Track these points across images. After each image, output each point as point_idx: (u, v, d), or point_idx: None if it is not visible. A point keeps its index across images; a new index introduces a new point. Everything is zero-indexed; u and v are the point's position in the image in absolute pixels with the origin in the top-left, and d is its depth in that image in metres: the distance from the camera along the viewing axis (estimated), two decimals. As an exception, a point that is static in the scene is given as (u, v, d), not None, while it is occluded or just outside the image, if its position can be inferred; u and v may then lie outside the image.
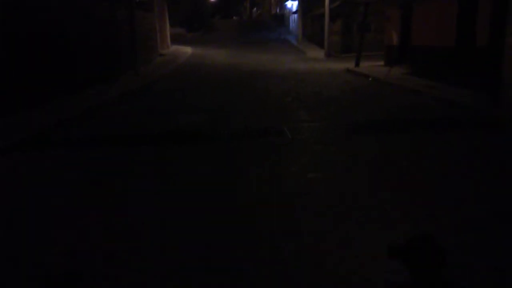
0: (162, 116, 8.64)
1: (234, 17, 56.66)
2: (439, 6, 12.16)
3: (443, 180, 4.49)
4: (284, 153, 5.81)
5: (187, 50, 25.65)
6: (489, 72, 9.62)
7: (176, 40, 28.92)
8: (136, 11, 16.35)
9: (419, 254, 1.59)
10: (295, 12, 36.68)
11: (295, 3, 36.41)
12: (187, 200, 4.25)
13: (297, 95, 10.65)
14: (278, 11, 51.46)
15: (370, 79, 13.27)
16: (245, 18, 59.06)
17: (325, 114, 8.34)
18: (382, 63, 16.75)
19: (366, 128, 7.03)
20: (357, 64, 16.56)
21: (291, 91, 11.47)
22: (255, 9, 65.86)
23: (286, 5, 43.82)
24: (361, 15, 19.23)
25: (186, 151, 6.10)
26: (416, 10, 13.87)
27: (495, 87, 8.22)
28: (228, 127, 7.44)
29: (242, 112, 8.80)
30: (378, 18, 19.72)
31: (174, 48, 26.48)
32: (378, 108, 8.65)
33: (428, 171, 4.82)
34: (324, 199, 4.13)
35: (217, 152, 5.98)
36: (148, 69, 17.01)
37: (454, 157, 5.33)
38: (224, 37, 35.70)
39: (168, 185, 4.71)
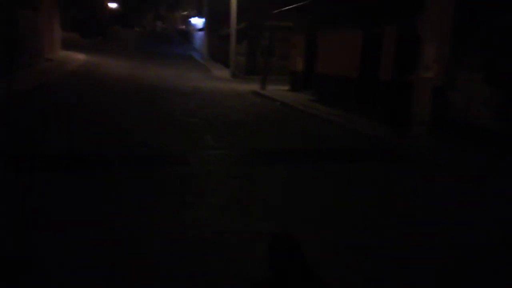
0: (29, 136, 7.03)
1: (137, 28, 54.20)
2: (343, 38, 12.43)
3: (331, 212, 4.04)
4: (187, 188, 4.89)
5: (80, 57, 23.28)
6: (394, 106, 9.90)
7: (68, 45, 26.18)
8: (18, 9, 14.15)
9: (280, 251, 1.83)
10: (201, 29, 36.13)
11: (201, 21, 35.90)
12: None
13: (203, 117, 9.83)
14: (183, 26, 50.54)
15: (278, 103, 13.01)
16: (148, 30, 56.93)
17: (233, 140, 7.62)
18: (287, 87, 16.79)
19: (276, 157, 6.47)
20: (263, 87, 16.36)
21: (197, 111, 10.61)
22: (159, 22, 64.03)
23: (191, 21, 43.12)
24: (266, 39, 19.30)
25: (58, 182, 4.83)
26: (321, 40, 14.11)
27: (402, 122, 8.33)
28: (119, 153, 6.27)
29: (140, 134, 7.65)
30: (283, 43, 19.97)
31: (65, 53, 23.88)
32: (287, 135, 8.21)
33: (324, 202, 4.38)
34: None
35: (99, 186, 4.82)
36: (30, 75, 14.75)
37: (350, 189, 5.04)
38: (125, 47, 33.52)
39: None
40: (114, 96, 12.21)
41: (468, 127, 7.65)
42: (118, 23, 50.27)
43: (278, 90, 16.21)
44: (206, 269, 3.16)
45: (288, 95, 14.63)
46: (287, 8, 15.43)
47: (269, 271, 1.82)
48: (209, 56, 31.28)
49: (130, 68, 21.57)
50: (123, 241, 3.52)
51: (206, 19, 32.55)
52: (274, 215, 4.25)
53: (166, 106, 11.17)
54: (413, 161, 6.52)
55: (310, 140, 7.98)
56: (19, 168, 5.22)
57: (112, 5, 47.69)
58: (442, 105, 8.05)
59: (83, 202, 4.28)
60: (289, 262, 1.80)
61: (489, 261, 3.55)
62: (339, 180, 5.50)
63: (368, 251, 3.56)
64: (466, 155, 6.45)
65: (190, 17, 42.59)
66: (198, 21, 38.01)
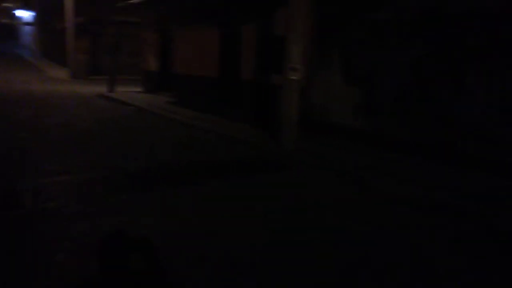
0: None
1: None
2: (201, 35, 11.64)
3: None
4: (13, 244, 3.41)
5: None
6: (260, 108, 9.50)
7: None
8: None
9: (108, 248, 1.91)
10: (29, 24, 31.22)
11: (29, 13, 31.03)
12: None
13: (38, 129, 7.88)
14: (6, 20, 43.22)
15: (131, 107, 11.52)
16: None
17: (82, 159, 6.08)
18: (140, 89, 15.28)
19: (142, 179, 5.27)
20: (112, 89, 14.52)
21: (29, 122, 8.53)
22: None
23: (15, 13, 37.07)
24: (113, 35, 17.35)
25: None
26: (177, 37, 13.07)
27: (271, 124, 7.92)
28: None
29: None
30: (134, 39, 18.24)
31: None
32: (151, 148, 7.01)
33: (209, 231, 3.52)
34: None
35: None
36: None
37: (232, 209, 4.25)
38: None
39: None
40: None
41: (333, 126, 7.64)
42: None
43: (130, 92, 14.60)
44: None
45: (143, 97, 13.20)
46: (134, 1, 13.91)
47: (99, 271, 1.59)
48: (42, 55, 27.13)
49: None
50: None
51: (36, 12, 28.13)
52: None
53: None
54: (298, 168, 6.08)
55: (181, 151, 6.94)
56: None
57: None
58: (307, 106, 7.90)
59: None
60: (122, 263, 1.75)
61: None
62: (233, 203, 4.64)
63: None
64: (341, 155, 6.29)
65: (15, 9, 36.53)
66: (25, 14, 32.76)
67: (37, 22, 27.84)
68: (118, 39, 16.73)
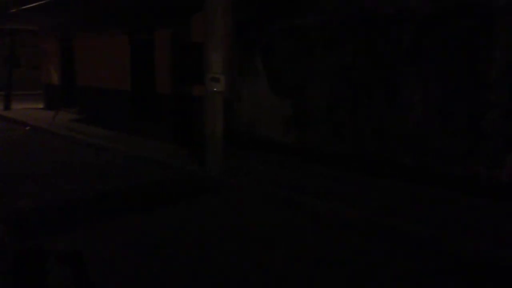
0: None
1: None
2: (109, 44, 10.44)
3: None
4: None
5: None
6: (179, 123, 8.56)
7: None
8: None
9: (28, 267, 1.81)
10: None
11: None
12: None
13: None
14: None
15: (27, 127, 9.93)
16: None
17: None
18: (42, 105, 13.51)
19: (42, 220, 4.15)
20: (7, 107, 12.62)
21: None
22: None
23: None
24: (7, 47, 15.24)
25: None
26: (80, 45, 11.68)
27: (192, 141, 7.08)
28: None
29: None
30: (32, 50, 16.24)
31: None
32: (48, 178, 5.78)
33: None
34: None
35: None
36: None
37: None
38: None
39: None
40: None
41: (262, 141, 7.00)
42: None
43: (29, 109, 12.82)
44: None
45: (43, 115, 11.56)
46: (29, 6, 12.21)
47: None
48: None
49: None
50: None
51: None
52: None
53: None
54: (225, 191, 5.29)
55: (93, 179, 5.80)
56: None
57: None
58: (232, 119, 7.19)
59: None
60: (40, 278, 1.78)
61: None
62: (150, 237, 3.71)
63: None
64: (271, 174, 5.65)
65: None
66: None
67: None
68: (14, 50, 14.72)
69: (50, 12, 12.12)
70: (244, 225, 4.22)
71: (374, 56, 5.45)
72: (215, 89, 5.74)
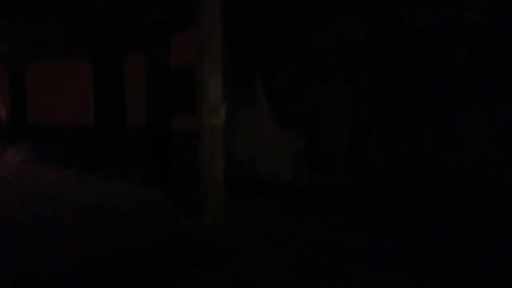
0: None
1: None
2: (69, 73, 9.01)
3: None
4: None
5: None
6: (160, 163, 7.18)
7: None
8: None
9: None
10: None
11: None
12: None
13: None
14: None
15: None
16: None
17: None
18: (-14, 145, 11.66)
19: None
20: None
21: None
22: None
23: None
24: None
25: None
26: (33, 75, 10.15)
27: (179, 185, 5.79)
28: None
29: None
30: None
31: None
32: (9, 241, 4.23)
33: None
34: None
35: None
36: None
37: None
38: None
39: None
40: None
41: (267, 184, 5.79)
42: None
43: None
44: None
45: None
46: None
47: None
48: None
49: None
50: None
51: None
52: None
53: None
54: (235, 260, 3.95)
55: (41, 247, 4.29)
56: None
57: None
58: (229, 158, 5.95)
59: None
60: None
61: None
62: None
63: None
64: (288, 230, 4.44)
65: None
66: None
67: None
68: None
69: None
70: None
71: (413, 78, 4.45)
72: (214, 122, 4.52)
